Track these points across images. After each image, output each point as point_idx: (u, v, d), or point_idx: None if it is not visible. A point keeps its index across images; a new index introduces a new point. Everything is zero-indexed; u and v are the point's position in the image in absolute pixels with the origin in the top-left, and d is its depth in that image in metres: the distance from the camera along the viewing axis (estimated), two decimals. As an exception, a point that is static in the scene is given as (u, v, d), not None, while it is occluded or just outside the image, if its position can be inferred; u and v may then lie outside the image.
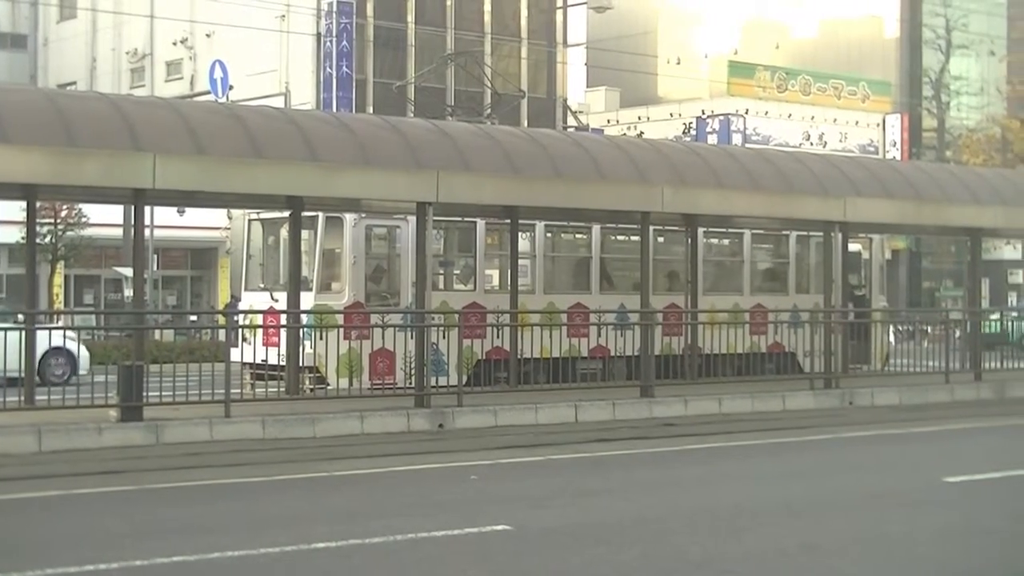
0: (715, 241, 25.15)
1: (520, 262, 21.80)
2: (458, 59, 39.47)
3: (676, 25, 62.64)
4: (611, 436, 17.19)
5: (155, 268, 37.04)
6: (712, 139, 49.80)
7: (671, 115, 54.01)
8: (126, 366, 15.88)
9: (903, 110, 57.63)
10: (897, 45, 60.61)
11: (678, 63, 56.68)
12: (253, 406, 17.38)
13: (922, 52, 60.34)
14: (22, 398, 16.17)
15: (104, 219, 34.14)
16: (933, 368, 24.23)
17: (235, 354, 18.24)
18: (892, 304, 40.16)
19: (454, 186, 18.30)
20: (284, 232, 21.29)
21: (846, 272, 23.58)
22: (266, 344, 19.16)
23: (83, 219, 34.90)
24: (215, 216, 39.02)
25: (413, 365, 18.46)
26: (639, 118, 54.49)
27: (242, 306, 21.91)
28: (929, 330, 30.14)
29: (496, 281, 22.68)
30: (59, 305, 36.55)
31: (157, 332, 23.44)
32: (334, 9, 43.01)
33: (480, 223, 21.83)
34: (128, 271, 30.20)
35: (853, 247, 25.95)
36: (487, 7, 47.57)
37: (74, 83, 50.35)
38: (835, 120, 55.04)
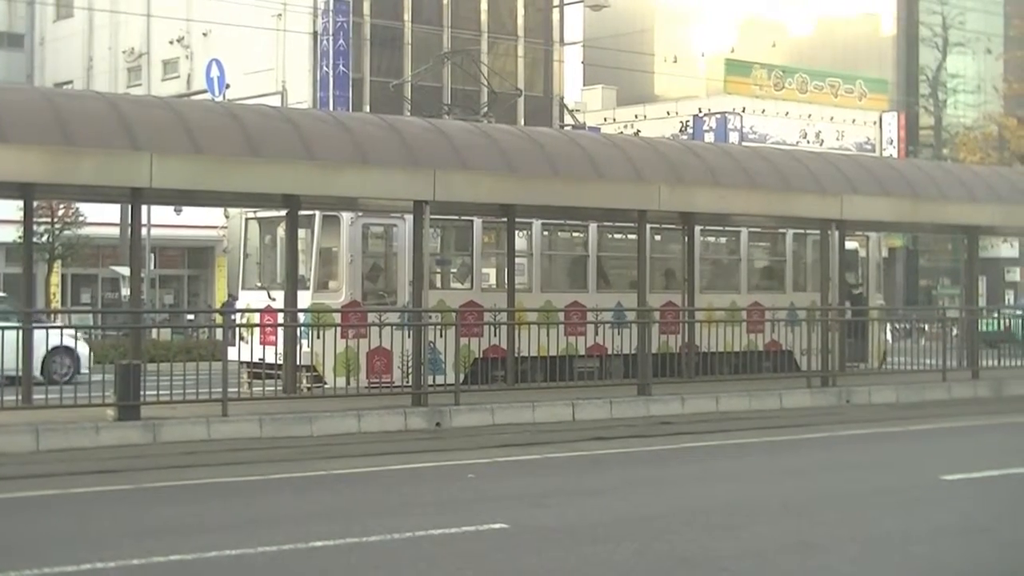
0: (712, 239, 25.16)
1: (517, 260, 21.81)
2: (455, 57, 39.48)
3: (673, 23, 62.66)
4: (608, 435, 17.20)
5: (152, 267, 37.00)
6: (709, 137, 49.80)
7: (668, 113, 54.01)
8: (123, 365, 15.89)
9: (900, 108, 57.65)
10: (894, 43, 60.62)
11: (675, 61, 56.68)
12: (250, 405, 17.39)
13: (919, 50, 60.35)
14: (19, 397, 16.16)
15: (101, 218, 34.15)
16: (930, 366, 24.25)
17: (232, 353, 18.23)
18: (889, 302, 40.19)
19: (451, 185, 18.31)
20: (281, 231, 21.30)
21: (843, 270, 23.59)
22: (263, 343, 19.18)
23: (80, 218, 34.88)
24: (212, 215, 39.02)
25: (410, 364, 18.48)
26: (636, 116, 54.49)
27: (239, 305, 21.91)
28: (926, 328, 30.14)
29: (493, 280, 22.68)
30: (56, 304, 36.52)
31: (154, 331, 23.49)
32: (330, 8, 43.00)
33: (477, 221, 21.83)
34: (125, 270, 30.18)
35: (850, 245, 25.95)
36: (483, 6, 47.56)
37: (71, 82, 50.33)
38: (832, 118, 55.04)
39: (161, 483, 12.98)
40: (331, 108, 40.33)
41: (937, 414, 20.58)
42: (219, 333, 19.26)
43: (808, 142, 52.82)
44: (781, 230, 25.21)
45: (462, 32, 46.58)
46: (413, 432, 17.17)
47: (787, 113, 53.90)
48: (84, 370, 23.33)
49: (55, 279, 37.49)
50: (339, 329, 18.93)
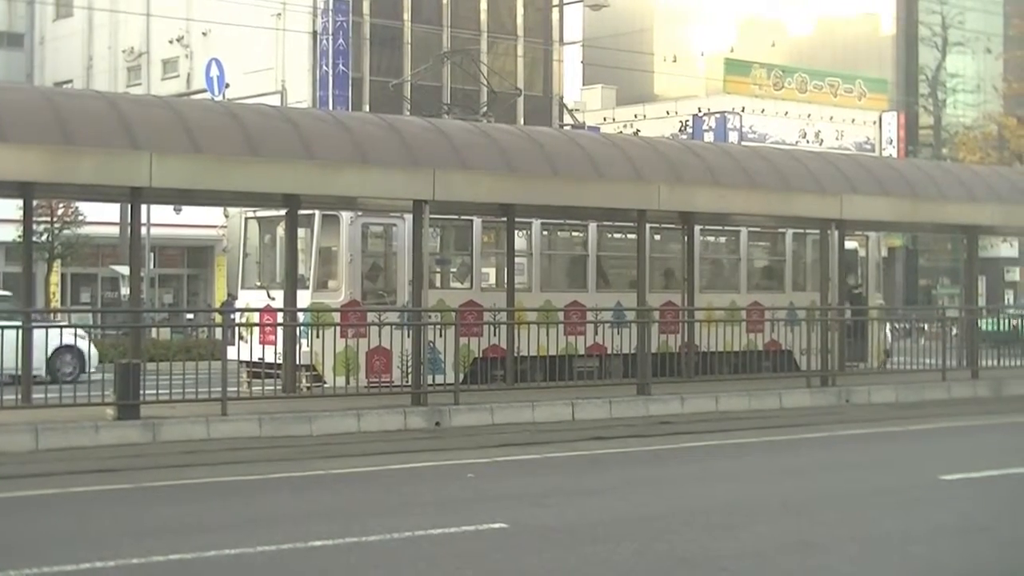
0: (712, 239, 25.16)
1: (517, 260, 21.81)
2: (454, 57, 39.48)
3: (672, 23, 62.67)
4: (608, 434, 17.20)
5: (152, 266, 36.99)
6: (708, 137, 49.80)
7: (667, 113, 54.01)
8: (123, 364, 15.89)
9: (899, 108, 57.65)
10: (893, 43, 60.63)
11: (674, 61, 56.69)
12: (250, 404, 17.39)
13: (918, 50, 60.36)
14: (19, 396, 16.16)
15: (101, 217, 34.14)
16: (930, 366, 24.26)
17: (232, 352, 18.24)
18: (888, 302, 40.19)
19: (450, 184, 18.31)
20: (281, 230, 21.30)
21: (843, 270, 23.59)
22: (263, 342, 19.17)
23: (80, 217, 34.88)
24: (212, 214, 39.03)
25: (410, 363, 18.47)
26: (635, 116, 54.49)
27: (239, 304, 21.91)
28: (926, 328, 30.15)
29: (493, 279, 22.68)
30: (55, 303, 36.52)
31: (154, 330, 23.47)
32: (330, 7, 42.99)
33: (476, 221, 21.83)
34: (125, 269, 30.17)
35: (849, 245, 25.96)
36: (483, 5, 47.56)
37: (70, 81, 50.33)
38: (831, 118, 55.05)
39: (161, 482, 12.98)
40: (331, 107, 40.33)
41: (937, 414, 20.58)
42: (219, 332, 19.25)
43: (808, 142, 52.83)
44: (781, 230, 25.21)
45: (462, 32, 46.58)
46: (412, 432, 17.18)
47: (786, 113, 53.91)
48: (90, 369, 23.38)
49: (55, 278, 37.49)
50: (339, 328, 18.92)
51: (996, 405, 22.00)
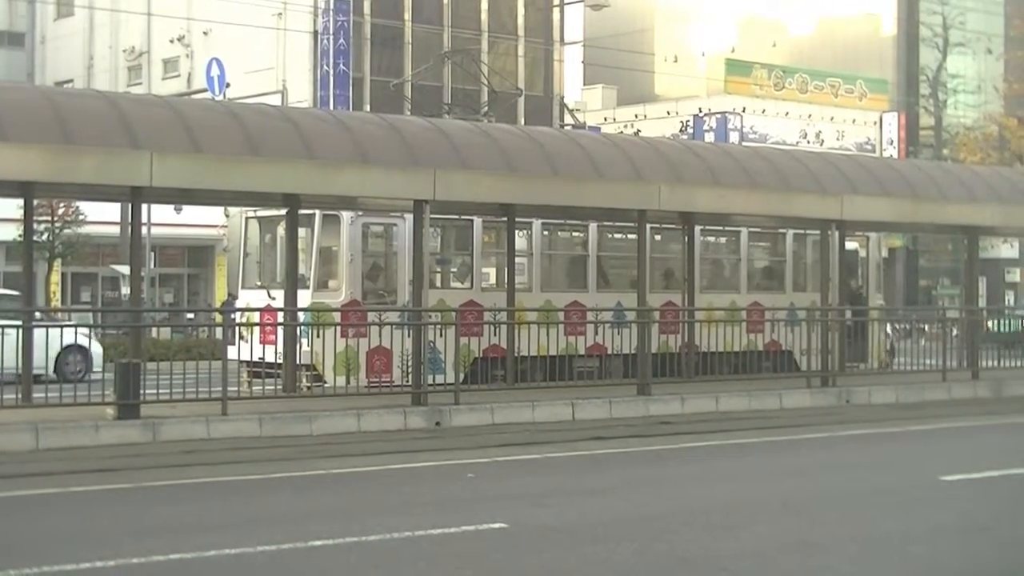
0: (712, 239, 25.16)
1: (517, 260, 21.81)
2: (455, 57, 39.48)
3: (673, 23, 62.65)
4: (608, 434, 17.20)
5: (152, 266, 37.01)
6: (709, 137, 49.79)
7: (668, 113, 54.01)
8: (123, 364, 15.90)
9: (900, 108, 57.64)
10: (894, 43, 60.62)
11: (675, 61, 56.66)
12: (250, 404, 17.39)
13: (919, 50, 60.35)
14: (19, 395, 16.16)
15: (101, 217, 34.15)
16: (930, 366, 24.26)
17: (232, 352, 18.24)
18: (889, 302, 40.20)
19: (451, 184, 18.31)
20: (281, 230, 21.31)
21: (843, 270, 23.59)
22: (263, 342, 19.18)
23: (80, 217, 34.89)
24: (212, 214, 39.03)
25: (410, 363, 18.47)
26: (636, 116, 54.47)
27: (239, 304, 21.92)
28: (926, 328, 30.15)
29: (493, 279, 22.69)
30: (56, 303, 36.53)
31: (154, 330, 23.47)
32: (331, 7, 43.00)
33: (477, 221, 21.83)
34: (125, 269, 30.19)
35: (850, 245, 25.96)
36: (484, 5, 47.57)
37: (71, 81, 50.33)
38: (832, 118, 55.04)
39: (161, 482, 12.98)
40: (331, 107, 40.34)
41: (937, 414, 20.58)
42: (219, 332, 19.25)
43: (808, 142, 52.82)
44: (781, 230, 25.21)
45: (462, 31, 46.58)
46: (413, 431, 17.18)
47: (787, 113, 53.90)
48: (97, 368, 23.41)
49: (55, 278, 37.50)
50: (339, 328, 18.93)
51: (996, 406, 22.00)
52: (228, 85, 36.57)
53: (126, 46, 50.18)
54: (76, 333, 20.71)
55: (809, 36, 62.40)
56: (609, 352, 21.69)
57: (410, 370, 18.48)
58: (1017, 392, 23.47)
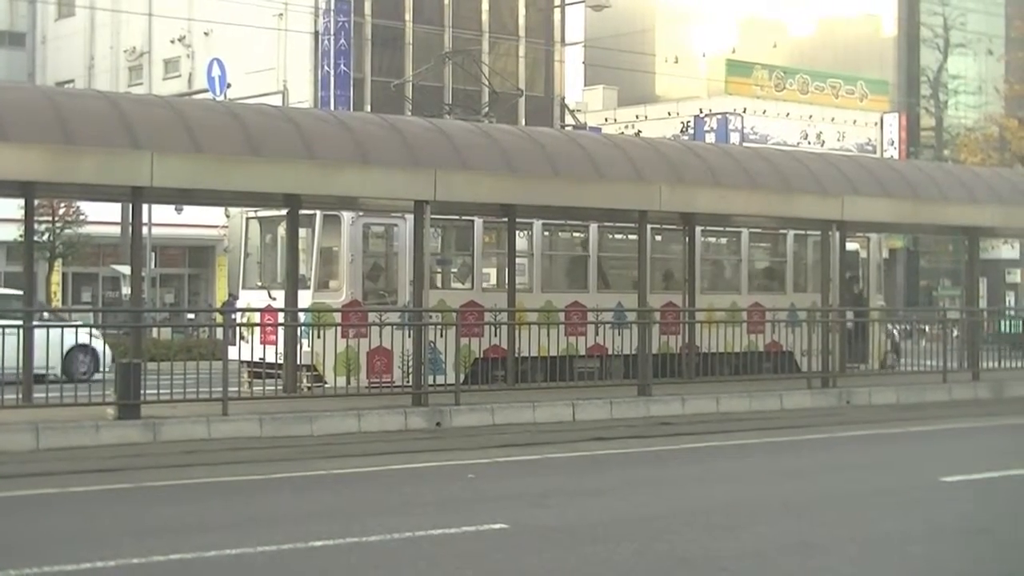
0: (713, 240, 25.17)
1: (518, 260, 21.81)
2: (456, 57, 39.46)
3: (674, 23, 62.63)
4: (608, 435, 17.20)
5: (153, 266, 37.01)
6: (710, 138, 49.78)
7: (669, 114, 54.00)
8: (124, 364, 15.90)
9: (901, 109, 57.63)
10: (895, 44, 60.61)
11: (676, 62, 56.67)
12: (251, 404, 17.39)
13: (920, 51, 60.34)
14: (20, 395, 16.16)
15: (102, 217, 34.14)
16: (931, 367, 24.24)
17: (233, 352, 18.24)
18: (889, 303, 40.18)
19: (452, 184, 18.31)
20: (282, 230, 21.31)
21: (844, 271, 23.59)
22: (264, 342, 19.19)
23: (81, 217, 34.90)
24: (213, 214, 39.02)
25: (411, 363, 18.47)
26: (637, 117, 54.47)
27: (240, 304, 21.91)
28: (927, 329, 30.16)
29: (493, 279, 22.69)
30: (56, 303, 36.53)
31: (155, 330, 23.47)
32: (332, 7, 43.01)
33: (478, 221, 21.84)
34: (126, 269, 30.19)
35: (851, 246, 25.97)
36: (484, 6, 47.57)
37: (72, 81, 50.34)
38: (833, 119, 55.03)
39: (161, 482, 12.98)
40: (332, 108, 40.33)
41: (937, 415, 20.58)
42: (219, 332, 19.26)
43: (809, 143, 52.81)
44: (782, 231, 25.22)
45: (463, 32, 46.59)
46: (413, 432, 17.18)
47: (788, 114, 53.89)
48: (104, 368, 23.44)
49: (56, 278, 37.50)
50: (339, 329, 18.93)
51: (997, 407, 22.00)
52: (229, 85, 36.58)
53: (127, 46, 50.20)
54: (86, 333, 20.76)
55: (810, 37, 62.39)
56: (610, 353, 21.68)
57: (411, 370, 18.48)
58: (1018, 393, 23.47)
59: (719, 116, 52.07)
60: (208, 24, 44.23)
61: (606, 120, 54.78)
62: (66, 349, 21.50)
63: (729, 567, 9.28)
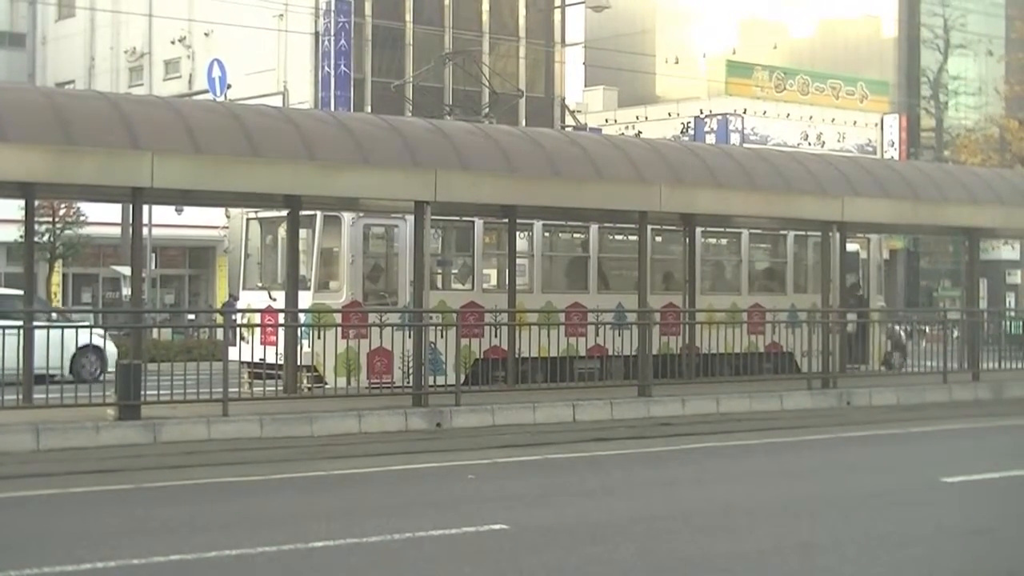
0: (713, 241, 25.17)
1: (518, 261, 21.81)
2: (456, 58, 39.47)
3: (674, 24, 62.62)
4: (609, 435, 17.21)
5: (153, 267, 37.01)
6: (710, 139, 49.78)
7: (669, 114, 53.97)
8: (124, 365, 15.90)
9: (901, 110, 57.61)
10: (895, 45, 60.59)
11: (676, 62, 56.65)
12: (251, 405, 17.39)
13: (920, 52, 60.31)
14: (20, 396, 16.16)
15: (102, 218, 34.13)
16: (931, 368, 24.25)
17: (233, 353, 18.25)
18: (890, 304, 40.18)
19: (452, 185, 18.31)
20: (282, 231, 21.31)
21: (844, 272, 23.58)
22: (264, 343, 19.19)
23: (81, 218, 34.89)
24: (213, 215, 39.01)
25: (411, 364, 18.47)
26: (637, 117, 54.45)
27: (240, 305, 21.92)
28: (927, 330, 30.17)
29: (494, 280, 22.69)
30: (56, 304, 36.52)
31: (155, 331, 23.46)
32: (332, 8, 43.00)
33: (478, 222, 21.84)
34: (126, 270, 30.20)
35: (851, 247, 25.97)
36: (485, 6, 47.56)
37: (72, 82, 50.32)
38: (833, 120, 55.00)
39: (161, 483, 12.99)
40: (332, 108, 40.33)
41: (938, 416, 20.58)
42: (220, 333, 19.26)
43: (809, 144, 52.78)
44: (782, 232, 25.22)
45: (463, 33, 46.59)
46: (414, 432, 17.18)
47: (788, 115, 53.86)
48: (111, 369, 23.47)
49: (56, 279, 37.50)
50: (340, 329, 18.93)
51: (997, 407, 22.00)
52: (229, 86, 36.58)
53: (127, 47, 50.18)
54: (92, 334, 20.79)
55: (810, 38, 62.36)
56: (610, 353, 21.67)
57: (411, 371, 18.47)
58: (1018, 394, 23.47)
59: (719, 117, 52.05)
60: (208, 25, 44.23)
61: (606, 121, 54.77)
62: (74, 350, 21.54)
63: (729, 567, 9.28)
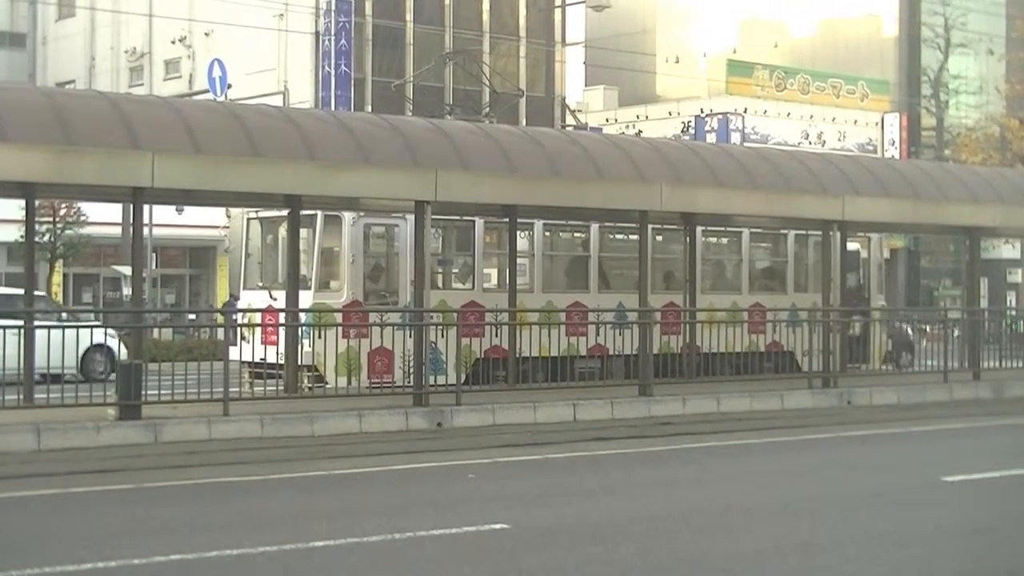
0: (713, 240, 25.17)
1: (519, 261, 21.81)
2: (456, 58, 39.48)
3: (674, 23, 62.61)
4: (609, 435, 17.21)
5: (154, 267, 37.01)
6: (711, 138, 49.77)
7: (669, 114, 53.97)
8: (125, 364, 15.91)
9: (902, 109, 57.60)
10: (896, 44, 60.59)
11: (676, 62, 56.65)
12: (252, 405, 17.40)
13: (921, 51, 60.30)
14: (21, 396, 16.16)
15: (103, 218, 34.14)
16: (932, 367, 24.24)
17: (234, 353, 18.24)
18: (890, 303, 40.18)
19: (452, 185, 18.31)
20: (283, 231, 21.31)
21: (845, 271, 23.58)
22: (265, 343, 19.19)
23: (82, 218, 34.90)
24: (214, 215, 39.01)
25: (412, 364, 18.47)
26: (637, 117, 54.43)
27: (241, 305, 21.92)
28: (928, 329, 30.16)
29: (494, 280, 22.69)
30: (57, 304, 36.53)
31: (156, 331, 23.48)
32: (332, 7, 43.00)
33: (478, 222, 21.84)
34: (127, 270, 30.20)
35: (852, 246, 25.96)
36: (485, 6, 47.55)
37: (73, 82, 50.32)
38: (834, 119, 54.99)
39: (162, 483, 12.99)
40: (333, 108, 40.33)
41: (938, 415, 20.58)
42: (220, 333, 19.26)
43: (810, 143, 52.77)
44: (783, 231, 25.21)
45: (464, 32, 46.58)
46: (414, 432, 17.18)
47: (789, 114, 53.85)
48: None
49: (56, 279, 37.50)
50: (340, 329, 18.94)
51: (998, 407, 22.00)
52: (230, 86, 36.58)
53: (127, 47, 50.18)
54: (101, 333, 20.80)
55: (810, 37, 62.35)
56: (610, 353, 21.67)
57: (411, 371, 18.47)
58: (1018, 393, 23.47)
59: (720, 116, 52.04)
60: (209, 25, 44.23)
61: (607, 120, 54.76)
62: (83, 349, 21.57)
63: (729, 567, 9.28)
